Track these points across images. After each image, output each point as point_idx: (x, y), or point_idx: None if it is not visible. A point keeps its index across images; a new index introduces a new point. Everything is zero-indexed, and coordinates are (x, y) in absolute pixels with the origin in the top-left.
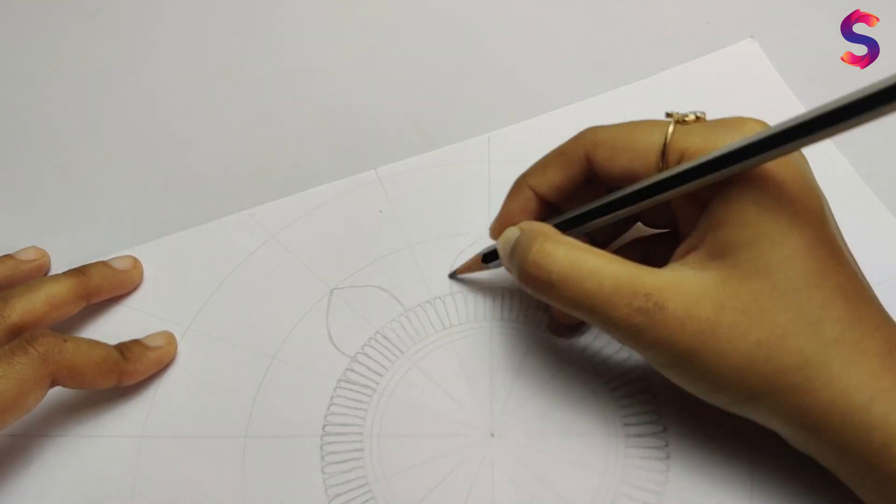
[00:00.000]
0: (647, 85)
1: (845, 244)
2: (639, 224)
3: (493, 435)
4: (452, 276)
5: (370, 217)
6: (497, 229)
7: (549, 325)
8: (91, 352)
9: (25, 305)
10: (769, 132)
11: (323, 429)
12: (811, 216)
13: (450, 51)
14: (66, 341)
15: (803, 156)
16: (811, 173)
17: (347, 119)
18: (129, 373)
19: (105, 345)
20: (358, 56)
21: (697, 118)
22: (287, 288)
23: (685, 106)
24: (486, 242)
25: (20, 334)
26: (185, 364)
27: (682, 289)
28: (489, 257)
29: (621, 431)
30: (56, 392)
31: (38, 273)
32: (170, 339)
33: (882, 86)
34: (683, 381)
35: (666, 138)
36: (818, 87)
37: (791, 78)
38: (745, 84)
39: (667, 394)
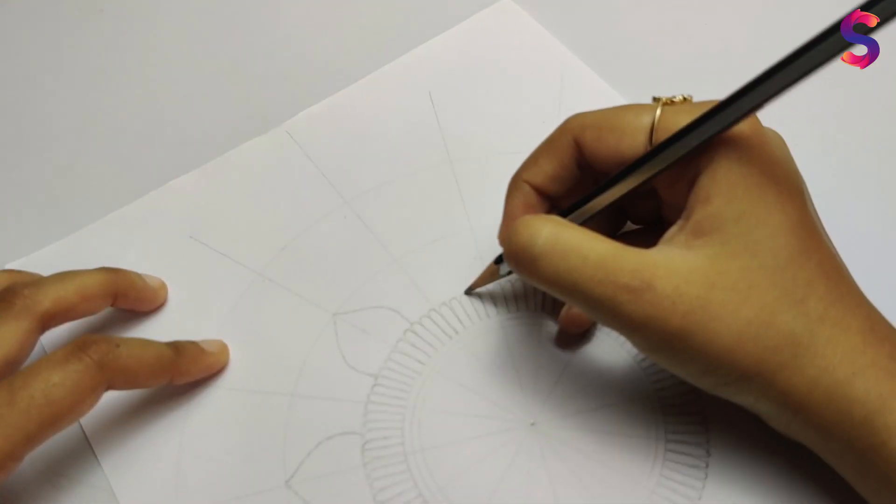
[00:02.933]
0: (417, 56)
1: (823, 227)
2: (628, 223)
3: (533, 424)
4: (469, 292)
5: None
6: (504, 231)
7: (556, 339)
8: (144, 353)
9: (58, 292)
10: (745, 86)
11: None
12: (793, 197)
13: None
14: (118, 346)
15: (784, 141)
16: (792, 158)
17: None
18: (182, 372)
19: (157, 343)
20: None
21: (685, 99)
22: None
23: (461, 69)
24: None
25: (51, 322)
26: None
27: (671, 267)
28: (502, 260)
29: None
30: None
31: None
32: (223, 348)
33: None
34: (672, 364)
35: (654, 119)
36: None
37: (555, 27)
38: (513, 42)
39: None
